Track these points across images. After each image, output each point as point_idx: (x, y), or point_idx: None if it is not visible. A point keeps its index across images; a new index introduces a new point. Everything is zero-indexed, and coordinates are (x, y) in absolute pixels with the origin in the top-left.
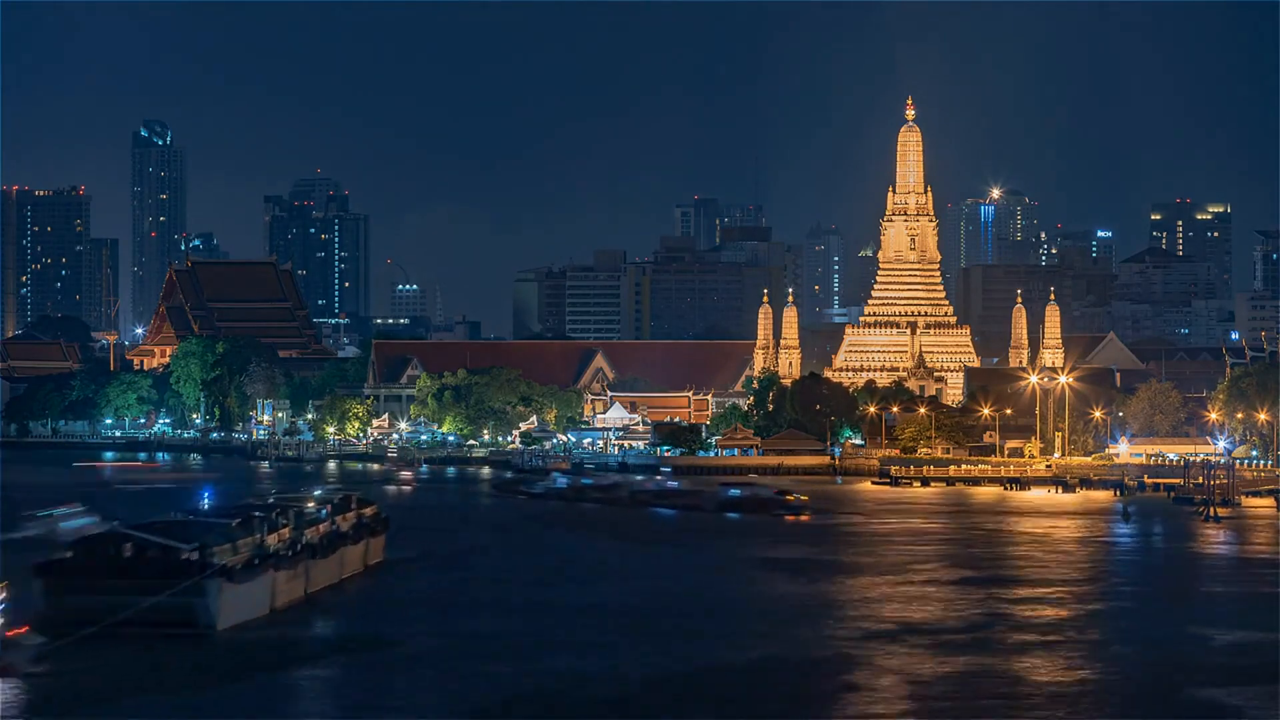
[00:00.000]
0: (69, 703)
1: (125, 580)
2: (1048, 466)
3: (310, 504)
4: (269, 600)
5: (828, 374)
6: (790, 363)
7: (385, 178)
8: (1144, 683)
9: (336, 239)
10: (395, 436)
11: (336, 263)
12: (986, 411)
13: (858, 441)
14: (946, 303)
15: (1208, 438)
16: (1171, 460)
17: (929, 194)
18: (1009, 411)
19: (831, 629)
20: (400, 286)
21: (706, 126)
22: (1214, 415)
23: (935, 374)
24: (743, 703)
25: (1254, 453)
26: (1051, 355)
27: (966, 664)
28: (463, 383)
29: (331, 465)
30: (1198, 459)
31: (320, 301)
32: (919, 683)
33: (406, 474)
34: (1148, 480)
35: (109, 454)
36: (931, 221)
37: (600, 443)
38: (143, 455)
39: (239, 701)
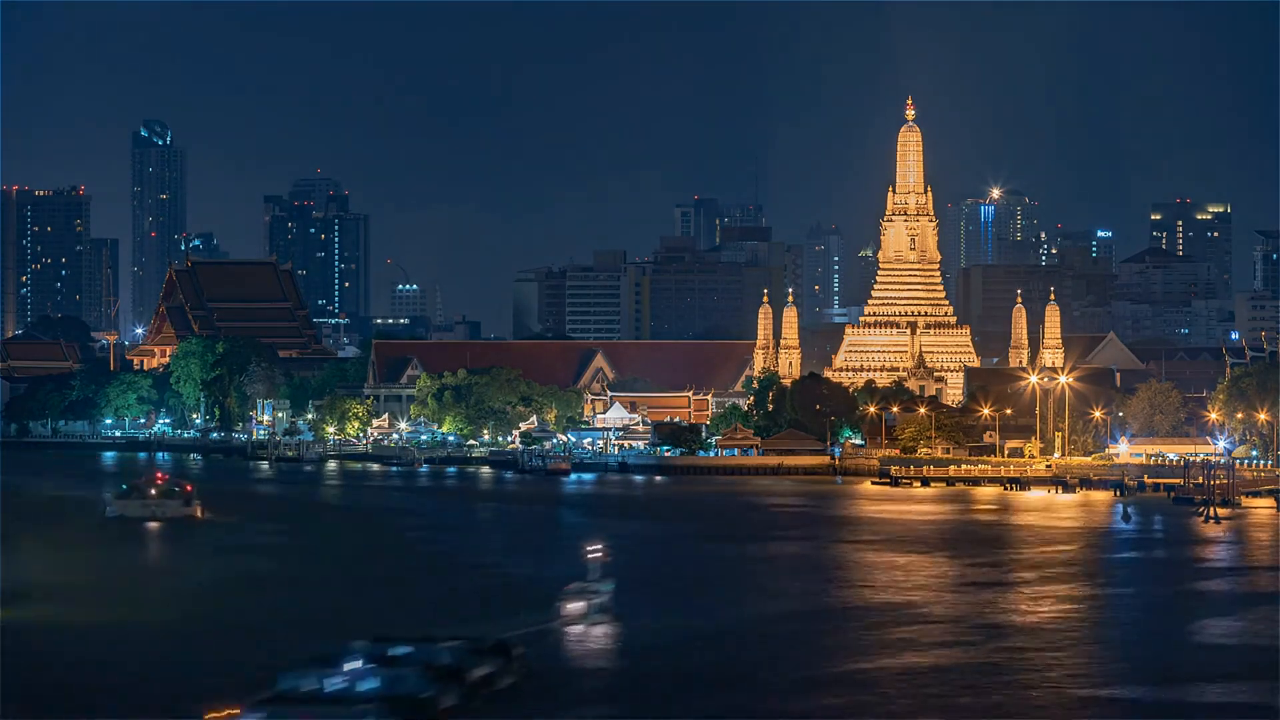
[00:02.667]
0: None
1: None
2: (1048, 466)
3: None
4: None
5: (828, 374)
6: (790, 363)
7: (385, 178)
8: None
9: (336, 239)
10: (395, 436)
11: (336, 263)
12: (986, 411)
13: (858, 441)
14: (946, 303)
15: (1208, 438)
16: (1171, 460)
17: (929, 194)
18: (1009, 411)
19: None
20: (400, 286)
21: (706, 126)
22: (1214, 415)
23: (935, 374)
24: None
25: (1254, 453)
26: (1051, 355)
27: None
28: (463, 383)
29: (332, 465)
30: (1198, 459)
31: (320, 301)
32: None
33: None
34: (1148, 480)
35: (109, 454)
36: (931, 221)
37: (600, 443)
38: (143, 455)
39: None
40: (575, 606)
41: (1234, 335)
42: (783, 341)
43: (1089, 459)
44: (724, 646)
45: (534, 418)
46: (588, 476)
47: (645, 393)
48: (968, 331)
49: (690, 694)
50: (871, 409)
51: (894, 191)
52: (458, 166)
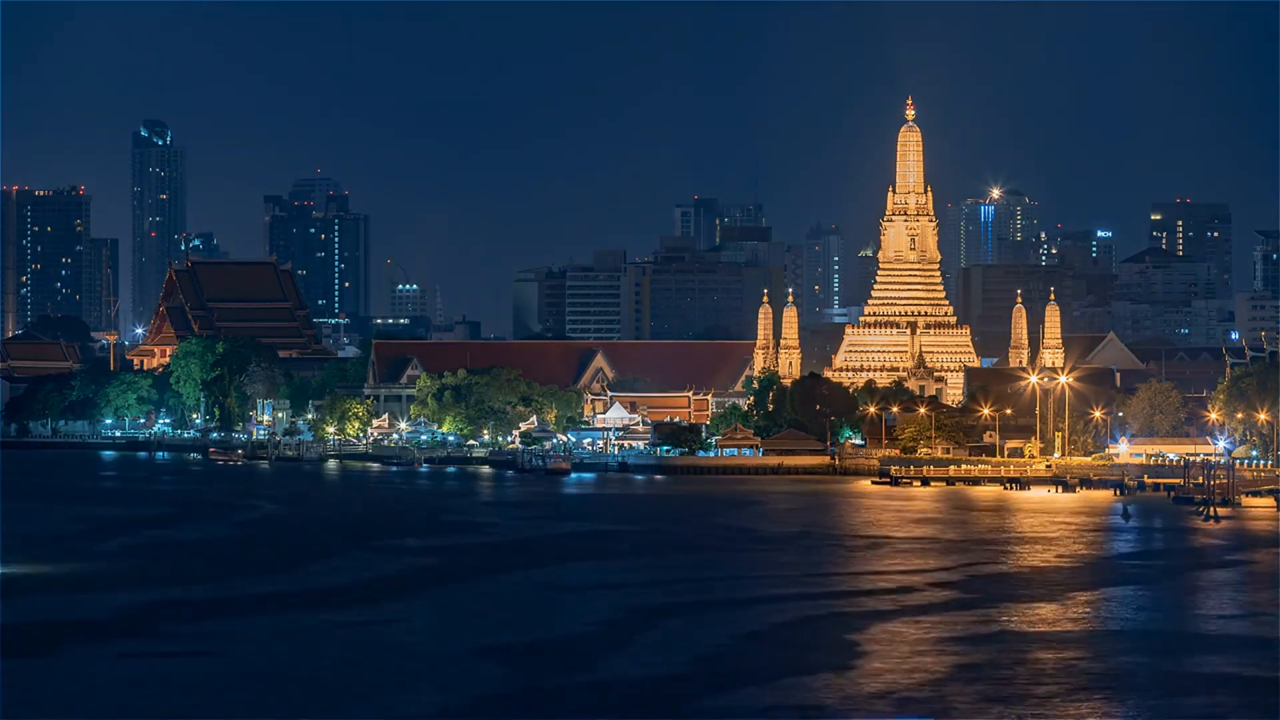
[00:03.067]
0: None
1: None
2: (1048, 466)
3: None
4: None
5: (828, 374)
6: (790, 363)
7: (385, 178)
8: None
9: (336, 239)
10: (395, 436)
11: (336, 263)
12: (986, 411)
13: (858, 441)
14: (946, 303)
15: (1208, 438)
16: (1171, 460)
17: (929, 194)
18: (1009, 411)
19: None
20: (400, 286)
21: (706, 126)
22: (1214, 415)
23: (935, 374)
24: None
25: (1254, 453)
26: (1051, 355)
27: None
28: (463, 383)
29: (332, 464)
30: (1198, 459)
31: (320, 301)
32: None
33: None
34: (1148, 480)
35: (109, 454)
36: (931, 221)
37: (600, 443)
38: (143, 455)
39: None
40: None
41: (1234, 335)
42: (783, 341)
43: (1089, 459)
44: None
45: (534, 418)
46: (588, 476)
47: (645, 393)
48: (968, 331)
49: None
50: (871, 409)
51: (894, 191)
52: (458, 166)
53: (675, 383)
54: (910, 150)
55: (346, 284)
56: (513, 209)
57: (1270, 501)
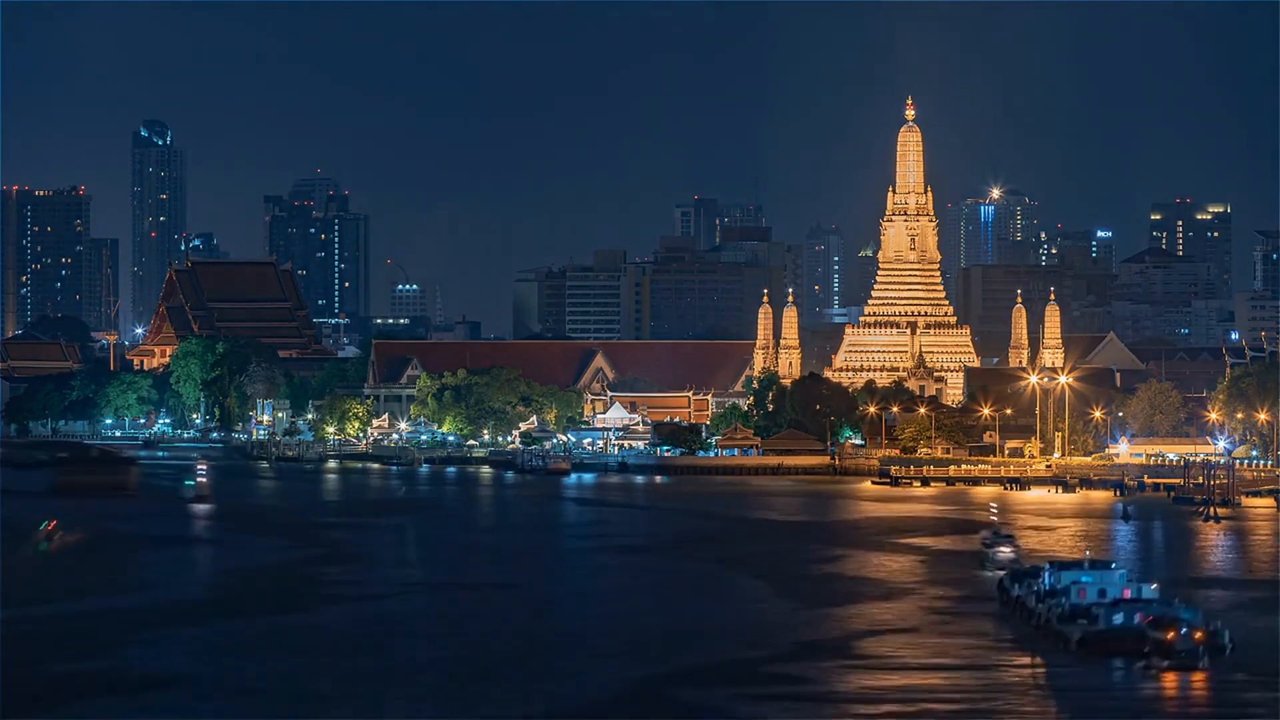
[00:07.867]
0: None
1: None
2: (1048, 466)
3: None
4: None
5: (828, 374)
6: (790, 363)
7: (385, 178)
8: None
9: (336, 239)
10: (395, 436)
11: (336, 263)
12: (986, 411)
13: (858, 441)
14: (946, 303)
15: (1208, 438)
16: (1171, 460)
17: (929, 194)
18: (1009, 411)
19: None
20: (400, 286)
21: (706, 126)
22: (1214, 415)
23: (935, 374)
24: None
25: (1254, 453)
26: (1051, 355)
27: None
28: (463, 383)
29: (331, 464)
30: (1198, 459)
31: (320, 301)
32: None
33: None
34: (1148, 480)
35: None
36: (931, 221)
37: (600, 443)
38: (143, 455)
39: None
40: None
41: (1234, 335)
42: (783, 341)
43: (1089, 459)
44: None
45: (534, 418)
46: (588, 477)
47: (645, 393)
48: (968, 331)
49: None
50: (871, 409)
51: (894, 191)
52: (458, 166)
53: (675, 383)
54: (910, 150)
55: (346, 284)
56: (513, 209)
57: (1270, 501)
